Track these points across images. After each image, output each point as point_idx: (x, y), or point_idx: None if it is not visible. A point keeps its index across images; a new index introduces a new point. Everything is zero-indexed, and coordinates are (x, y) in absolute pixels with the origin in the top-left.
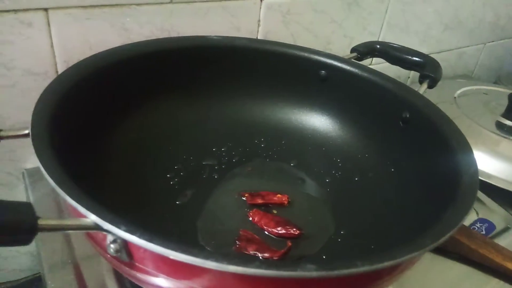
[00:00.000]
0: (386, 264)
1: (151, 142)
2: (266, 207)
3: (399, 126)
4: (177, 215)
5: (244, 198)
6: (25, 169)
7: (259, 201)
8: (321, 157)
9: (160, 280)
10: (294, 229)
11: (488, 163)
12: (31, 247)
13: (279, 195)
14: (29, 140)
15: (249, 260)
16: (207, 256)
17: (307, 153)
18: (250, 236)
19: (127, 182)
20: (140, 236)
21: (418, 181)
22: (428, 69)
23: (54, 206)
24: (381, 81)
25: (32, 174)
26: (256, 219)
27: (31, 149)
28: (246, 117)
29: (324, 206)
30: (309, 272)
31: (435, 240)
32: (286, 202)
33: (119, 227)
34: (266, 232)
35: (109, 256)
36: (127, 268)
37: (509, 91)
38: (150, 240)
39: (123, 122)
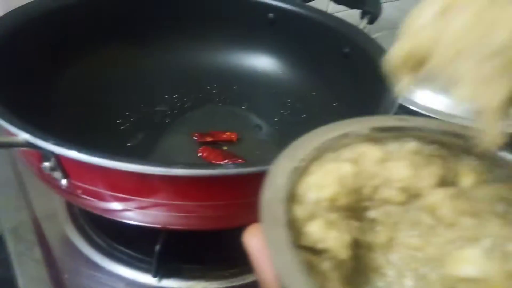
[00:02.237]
0: None
1: (99, 90)
2: (216, 145)
3: (341, 62)
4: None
5: (194, 138)
6: None
7: (209, 139)
8: (272, 99)
9: (100, 203)
10: (240, 161)
11: (439, 102)
12: None
13: (228, 133)
14: None
15: (171, 163)
16: (133, 161)
17: (258, 96)
18: None
19: (72, 129)
20: (68, 147)
21: (358, 113)
22: (368, 5)
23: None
24: (324, 19)
25: None
26: (205, 154)
27: None
28: (198, 64)
29: (272, 141)
30: (229, 169)
31: None
32: (235, 139)
33: (47, 141)
34: None
35: (47, 178)
36: (67, 191)
37: None
38: (79, 150)
39: (69, 69)
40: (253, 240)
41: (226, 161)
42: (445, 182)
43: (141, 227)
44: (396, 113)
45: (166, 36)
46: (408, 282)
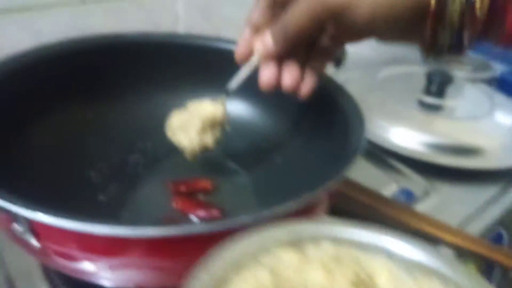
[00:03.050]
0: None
1: (69, 144)
2: (191, 194)
3: (310, 108)
4: (99, 210)
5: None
6: None
7: (183, 188)
8: (247, 144)
9: (71, 264)
10: (215, 211)
11: (410, 139)
12: None
13: (203, 182)
14: None
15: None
16: (99, 223)
17: (233, 142)
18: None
19: (42, 186)
20: (34, 209)
21: (330, 155)
22: None
23: None
24: None
25: None
26: (179, 205)
27: None
28: (170, 111)
29: (249, 188)
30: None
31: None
32: (210, 187)
33: (17, 204)
34: (190, 217)
35: (19, 239)
36: (38, 252)
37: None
38: (46, 213)
39: (35, 127)
40: None
41: (200, 211)
42: (361, 281)
43: None
44: (369, 151)
45: (135, 85)
46: None
